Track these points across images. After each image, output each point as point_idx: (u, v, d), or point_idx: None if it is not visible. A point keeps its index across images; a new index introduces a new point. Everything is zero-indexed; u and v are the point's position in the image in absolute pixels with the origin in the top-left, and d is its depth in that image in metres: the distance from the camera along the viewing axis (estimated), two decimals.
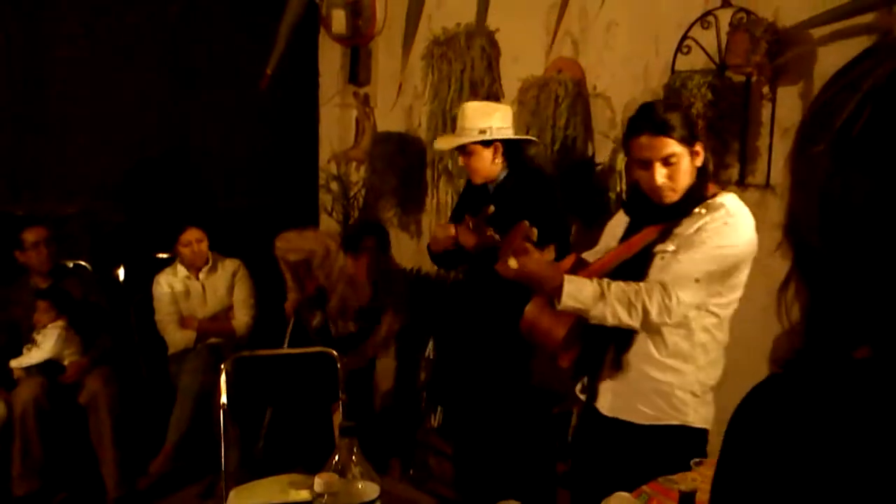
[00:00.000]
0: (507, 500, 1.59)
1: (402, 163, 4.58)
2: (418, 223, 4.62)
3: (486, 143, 3.12)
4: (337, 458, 1.44)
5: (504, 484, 3.18)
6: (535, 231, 2.25)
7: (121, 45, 4.50)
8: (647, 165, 2.19)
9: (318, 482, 1.28)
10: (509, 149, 3.17)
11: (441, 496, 3.86)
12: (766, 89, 3.06)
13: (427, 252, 3.40)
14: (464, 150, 3.15)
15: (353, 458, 1.44)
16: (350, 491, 1.38)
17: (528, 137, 3.34)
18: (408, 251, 4.64)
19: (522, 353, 2.92)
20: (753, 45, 2.96)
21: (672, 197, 2.21)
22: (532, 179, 3.18)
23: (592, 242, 2.67)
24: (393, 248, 4.72)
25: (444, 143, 3.37)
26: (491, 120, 3.12)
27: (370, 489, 1.45)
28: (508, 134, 3.16)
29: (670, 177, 2.18)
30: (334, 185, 4.88)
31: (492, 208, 2.77)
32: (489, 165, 3.16)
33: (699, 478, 1.76)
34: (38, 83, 4.31)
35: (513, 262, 2.14)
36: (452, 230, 3.03)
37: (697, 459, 1.87)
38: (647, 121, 2.18)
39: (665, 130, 2.15)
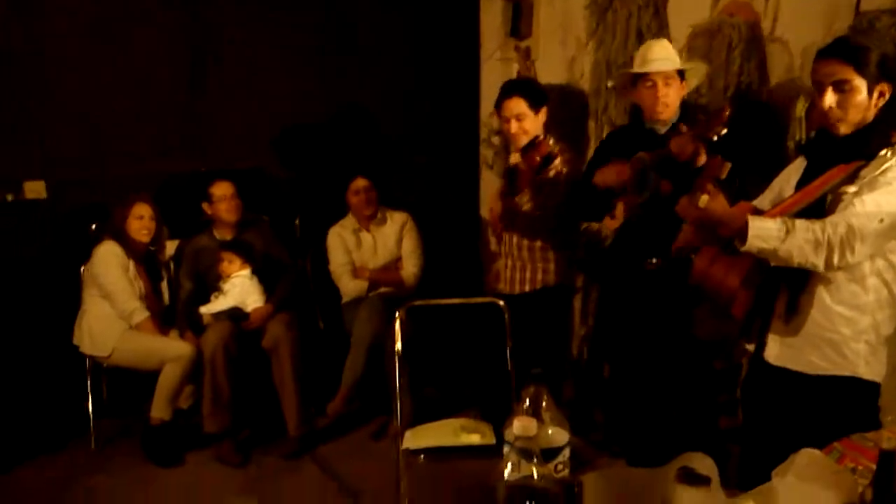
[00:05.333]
0: (694, 452, 1.57)
1: (564, 115, 4.54)
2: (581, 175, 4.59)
3: (682, 77, 3.15)
4: (528, 402, 1.48)
5: (669, 438, 3.17)
6: (727, 166, 2.21)
7: (283, 12, 4.69)
8: (821, 88, 2.18)
9: (517, 425, 1.33)
10: None
11: (604, 447, 3.87)
12: None
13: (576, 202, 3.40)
14: (666, 78, 3.13)
15: (544, 403, 1.49)
16: (542, 436, 1.43)
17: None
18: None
19: (685, 304, 2.88)
20: None
21: (842, 127, 2.19)
22: None
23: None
24: None
25: (661, 56, 3.17)
26: (677, 57, 3.18)
27: (560, 435, 1.49)
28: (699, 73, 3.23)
29: (840, 104, 2.16)
30: (496, 140, 4.91)
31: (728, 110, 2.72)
32: (678, 102, 3.15)
33: (894, 436, 1.70)
34: (218, 53, 4.56)
35: (704, 199, 2.11)
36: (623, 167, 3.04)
37: (892, 417, 1.81)
38: (833, 46, 2.20)
39: (845, 56, 2.14)
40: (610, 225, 3.20)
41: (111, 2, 4.31)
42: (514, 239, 3.71)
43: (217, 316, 4.00)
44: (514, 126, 3.57)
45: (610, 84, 3.34)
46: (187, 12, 4.48)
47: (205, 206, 4.17)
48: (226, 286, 4.05)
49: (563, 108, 4.53)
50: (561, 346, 3.82)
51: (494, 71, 5.06)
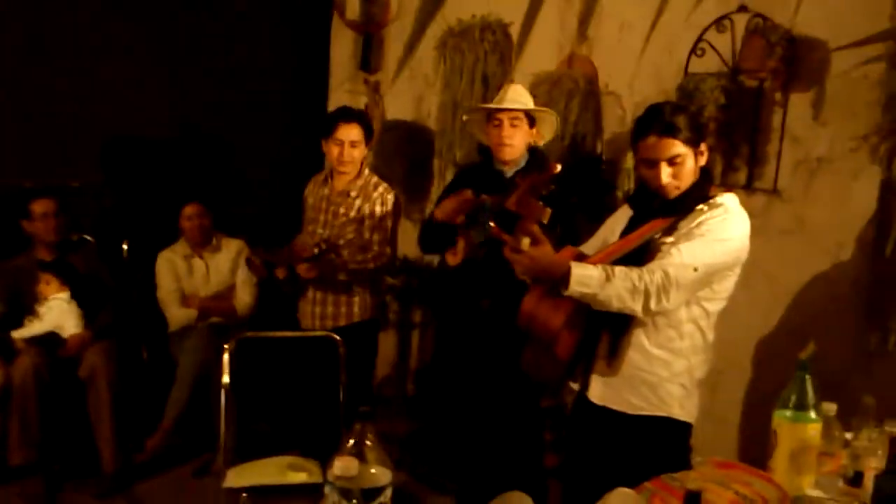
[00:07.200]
0: (512, 492, 1.60)
1: (409, 151, 4.59)
2: (423, 212, 4.63)
3: (532, 122, 3.14)
4: (352, 441, 1.45)
5: (496, 475, 3.20)
6: (548, 211, 2.26)
7: (130, 24, 4.49)
8: (654, 165, 2.27)
9: (338, 465, 1.29)
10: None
11: (438, 484, 3.87)
12: (778, 95, 3.08)
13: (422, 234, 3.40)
14: (512, 119, 3.12)
15: (368, 442, 1.46)
16: (365, 475, 1.40)
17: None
18: (412, 239, 4.64)
19: (515, 343, 2.94)
20: (769, 51, 2.99)
21: (676, 193, 2.29)
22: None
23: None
24: (398, 235, 4.74)
25: (512, 98, 3.16)
26: (531, 104, 3.16)
27: (383, 474, 1.46)
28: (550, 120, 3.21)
29: (675, 176, 2.26)
30: None
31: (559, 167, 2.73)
32: (523, 145, 3.15)
33: (700, 477, 1.77)
34: (46, 58, 4.29)
35: (525, 242, 2.16)
36: (469, 193, 3.00)
37: (700, 459, 1.89)
38: (654, 122, 2.26)
39: (671, 132, 2.23)
40: (451, 260, 3.22)
41: None
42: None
43: (30, 341, 3.75)
44: (346, 150, 3.59)
45: (465, 118, 3.38)
46: (16, 14, 4.20)
47: (24, 223, 3.91)
48: (42, 309, 3.81)
49: (410, 144, 4.59)
50: (368, 382, 3.79)
51: (342, 102, 5.03)
